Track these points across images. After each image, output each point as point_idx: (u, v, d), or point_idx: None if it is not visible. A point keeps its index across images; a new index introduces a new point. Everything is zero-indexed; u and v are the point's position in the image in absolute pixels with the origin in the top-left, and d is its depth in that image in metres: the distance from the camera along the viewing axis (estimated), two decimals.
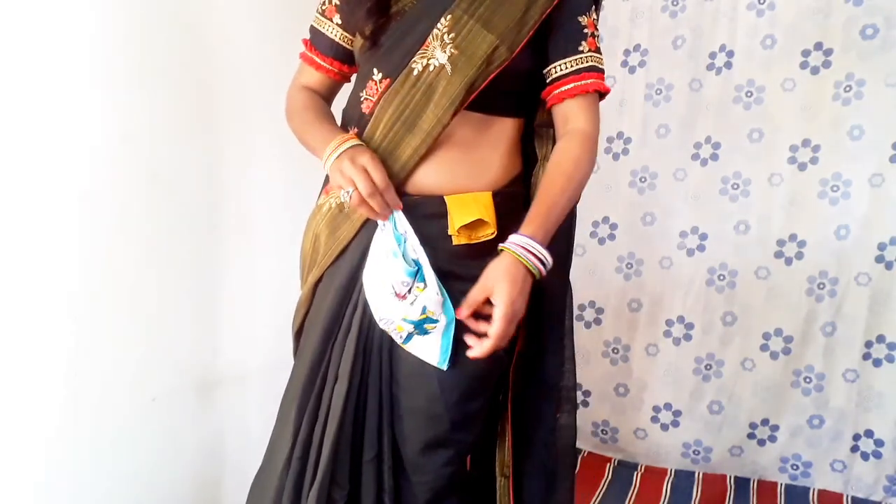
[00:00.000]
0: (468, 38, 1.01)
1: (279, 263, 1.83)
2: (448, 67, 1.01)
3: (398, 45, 1.06)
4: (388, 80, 1.06)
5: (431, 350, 1.02)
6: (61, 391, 1.35)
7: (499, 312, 0.93)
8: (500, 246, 0.98)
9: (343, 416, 1.06)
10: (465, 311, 0.96)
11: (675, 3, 2.24)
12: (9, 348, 1.26)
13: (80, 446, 1.39)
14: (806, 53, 2.06)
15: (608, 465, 2.34)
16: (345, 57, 1.18)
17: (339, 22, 1.15)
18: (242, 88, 1.67)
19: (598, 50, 1.09)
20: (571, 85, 1.06)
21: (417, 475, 1.09)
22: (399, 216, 1.01)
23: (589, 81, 1.07)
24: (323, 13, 1.17)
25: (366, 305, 1.07)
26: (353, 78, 1.19)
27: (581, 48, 1.06)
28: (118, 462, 1.47)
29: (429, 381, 1.04)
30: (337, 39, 1.17)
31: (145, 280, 1.50)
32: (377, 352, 1.08)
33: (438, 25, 1.02)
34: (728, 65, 2.17)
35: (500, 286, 0.94)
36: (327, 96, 1.25)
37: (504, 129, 1.10)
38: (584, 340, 2.46)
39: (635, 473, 2.29)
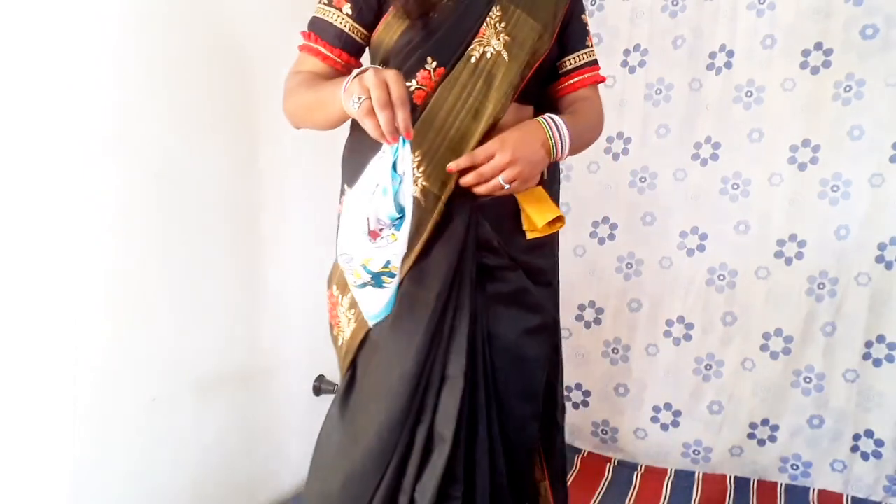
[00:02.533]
0: (518, 25, 1.08)
1: (281, 263, 1.83)
2: (504, 54, 1.07)
3: (453, 33, 1.07)
4: (442, 68, 1.07)
5: (379, 303, 0.97)
6: (61, 391, 1.35)
7: (495, 144, 0.99)
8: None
9: (460, 414, 1.07)
10: (463, 162, 1.01)
11: (675, 3, 2.24)
12: (9, 348, 1.26)
13: (80, 446, 1.39)
14: (806, 53, 2.06)
15: (608, 465, 2.34)
16: (352, 49, 1.14)
17: (350, 12, 1.11)
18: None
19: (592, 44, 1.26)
20: (587, 75, 1.22)
21: (519, 451, 1.17)
22: (405, 151, 0.89)
23: (597, 73, 1.23)
24: (329, 3, 1.12)
25: (469, 303, 1.08)
26: None
27: (587, 43, 1.23)
28: (118, 462, 1.47)
29: (524, 365, 1.14)
30: (346, 30, 1.12)
31: (145, 280, 1.50)
32: (481, 346, 1.11)
33: (490, 14, 1.07)
34: (728, 65, 2.17)
35: (508, 133, 1.01)
36: None
37: (529, 118, 1.13)
38: (584, 340, 2.46)
39: (635, 473, 2.29)
